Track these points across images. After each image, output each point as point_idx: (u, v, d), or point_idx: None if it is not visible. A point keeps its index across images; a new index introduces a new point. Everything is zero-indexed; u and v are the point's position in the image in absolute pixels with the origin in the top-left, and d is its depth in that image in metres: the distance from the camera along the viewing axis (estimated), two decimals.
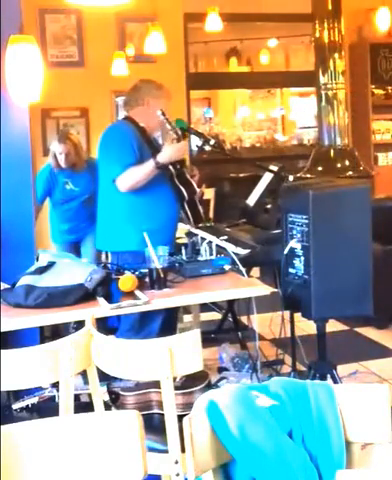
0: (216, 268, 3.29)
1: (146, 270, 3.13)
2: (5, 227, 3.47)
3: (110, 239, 3.74)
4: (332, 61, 6.92)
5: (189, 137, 3.68)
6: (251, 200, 4.30)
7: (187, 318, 4.64)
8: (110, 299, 2.91)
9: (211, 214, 6.60)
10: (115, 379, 2.56)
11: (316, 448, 1.66)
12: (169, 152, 3.56)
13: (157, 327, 3.48)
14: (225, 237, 3.66)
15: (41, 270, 2.97)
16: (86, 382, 2.60)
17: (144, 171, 3.55)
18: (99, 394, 2.48)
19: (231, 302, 4.76)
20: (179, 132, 3.65)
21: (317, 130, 7.80)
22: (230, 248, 3.54)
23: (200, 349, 2.23)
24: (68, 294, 2.86)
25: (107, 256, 3.92)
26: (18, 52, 2.88)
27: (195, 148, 3.64)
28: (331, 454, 1.65)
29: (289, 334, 3.66)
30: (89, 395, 2.66)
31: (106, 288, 2.99)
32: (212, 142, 3.69)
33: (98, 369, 2.38)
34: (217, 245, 3.46)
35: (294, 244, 3.13)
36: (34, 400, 2.91)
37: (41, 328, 3.52)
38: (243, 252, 3.57)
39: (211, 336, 4.75)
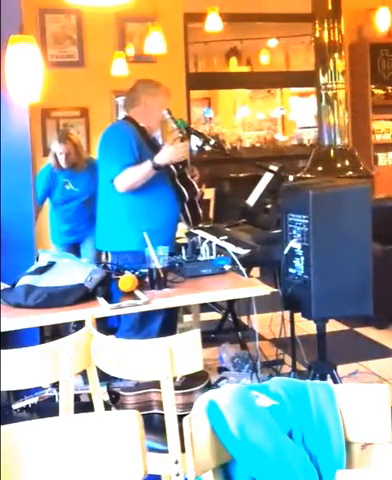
0: (216, 268, 3.29)
1: (146, 270, 3.13)
2: (5, 227, 3.47)
3: (110, 239, 3.74)
4: (332, 61, 6.91)
5: (189, 137, 3.66)
6: (251, 200, 4.30)
7: (187, 318, 4.64)
8: (110, 299, 2.91)
9: (211, 214, 6.60)
10: (115, 379, 2.56)
11: (316, 448, 1.66)
12: (167, 154, 3.55)
13: (157, 327, 3.48)
14: (225, 237, 3.66)
15: (41, 270, 2.97)
16: (86, 382, 2.60)
17: (141, 172, 3.54)
18: (99, 394, 2.48)
19: (231, 302, 4.76)
20: (184, 132, 3.65)
21: (317, 130, 7.79)
22: (230, 248, 3.54)
23: (200, 349, 2.23)
24: (68, 294, 2.86)
25: (107, 256, 3.92)
26: (18, 52, 2.88)
27: (195, 148, 3.63)
28: (331, 454, 1.65)
29: (289, 334, 3.66)
30: (89, 395, 2.66)
31: (106, 288, 2.99)
32: (212, 142, 3.69)
33: (98, 369, 2.38)
34: (217, 245, 3.46)
35: (294, 244, 3.13)
36: (34, 400, 2.91)
37: (41, 328, 3.52)
38: (243, 252, 3.57)
39: (211, 336, 4.75)
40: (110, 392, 2.73)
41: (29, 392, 2.90)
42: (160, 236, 3.38)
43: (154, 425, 2.44)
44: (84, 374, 2.47)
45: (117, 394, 2.67)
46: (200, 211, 3.87)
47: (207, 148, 3.68)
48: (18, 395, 3.00)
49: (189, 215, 3.82)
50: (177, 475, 2.14)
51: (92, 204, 4.14)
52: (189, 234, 3.79)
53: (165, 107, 3.74)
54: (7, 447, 1.49)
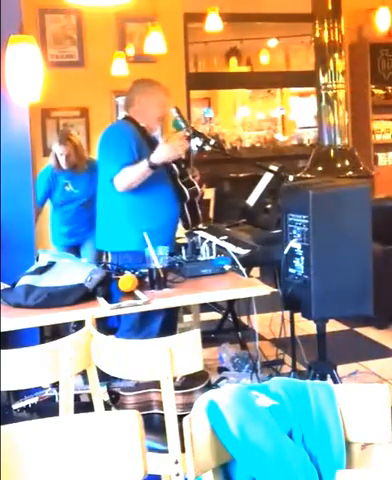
0: (216, 268, 3.29)
1: (146, 270, 3.13)
2: (5, 227, 3.47)
3: (110, 239, 3.74)
4: (332, 61, 6.92)
5: (194, 137, 3.65)
6: (251, 200, 4.30)
7: (187, 318, 4.64)
8: (110, 299, 2.91)
9: (211, 214, 6.60)
10: (115, 379, 2.56)
11: (316, 448, 1.66)
12: (163, 152, 3.54)
13: (157, 327, 3.48)
14: (225, 237, 3.66)
15: (41, 270, 2.97)
16: (86, 382, 2.60)
17: (138, 171, 3.53)
18: (99, 394, 2.48)
19: (231, 302, 4.76)
20: (191, 130, 3.64)
21: (317, 130, 7.80)
22: (230, 248, 3.54)
23: (200, 349, 2.23)
24: (68, 294, 2.86)
25: (107, 257, 3.91)
26: (18, 52, 2.89)
27: (195, 148, 3.62)
28: (331, 454, 1.65)
29: (289, 334, 3.66)
30: (89, 395, 2.66)
31: (106, 288, 2.99)
32: (212, 142, 3.69)
33: (98, 369, 2.38)
34: (217, 245, 3.46)
35: (294, 244, 3.13)
36: (34, 400, 2.91)
37: (41, 328, 3.52)
38: (243, 252, 3.57)
39: (211, 336, 4.75)
40: (110, 392, 2.73)
41: (29, 392, 2.90)
42: (160, 236, 3.38)
43: (154, 425, 2.44)
44: (84, 374, 2.47)
45: (117, 394, 2.67)
46: (200, 212, 3.87)
47: (207, 148, 3.68)
48: (18, 395, 3.00)
49: (189, 216, 3.81)
50: (177, 475, 2.14)
51: (91, 206, 4.12)
52: (189, 234, 3.79)
53: (162, 105, 3.74)
54: (7, 447, 1.49)
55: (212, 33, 6.53)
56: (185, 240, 3.76)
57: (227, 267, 3.30)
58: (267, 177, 4.22)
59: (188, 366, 2.25)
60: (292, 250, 3.15)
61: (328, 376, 3.19)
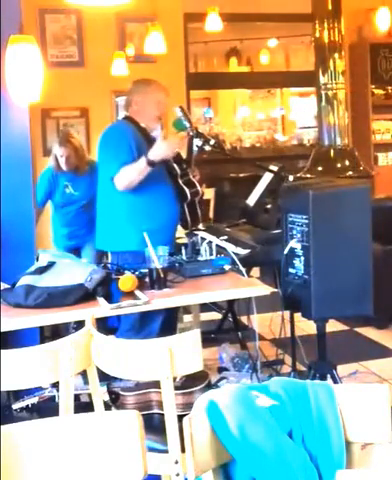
0: (216, 268, 3.29)
1: (146, 270, 3.13)
2: (5, 227, 3.47)
3: (110, 239, 3.74)
4: (332, 61, 6.92)
5: (197, 137, 3.65)
6: (251, 200, 4.30)
7: (187, 318, 4.64)
8: (110, 299, 2.91)
9: (211, 214, 6.60)
10: (115, 379, 2.56)
11: (316, 448, 1.66)
12: (160, 149, 3.54)
13: (157, 327, 3.48)
14: (225, 237, 3.66)
15: (41, 270, 2.97)
16: (86, 382, 2.60)
17: (137, 169, 3.52)
18: (99, 394, 2.48)
19: (231, 302, 4.76)
20: (194, 131, 3.63)
21: (317, 130, 7.80)
22: (230, 248, 3.54)
23: (200, 349, 2.23)
24: (68, 294, 2.86)
25: (107, 257, 3.91)
26: (18, 52, 2.89)
27: (195, 148, 3.61)
28: (331, 454, 1.65)
29: (289, 334, 3.66)
30: (89, 395, 2.66)
31: (106, 288, 2.99)
32: (212, 142, 3.68)
33: (98, 369, 2.38)
34: (217, 245, 3.46)
35: (294, 244, 3.13)
36: (34, 400, 2.91)
37: (41, 328, 3.52)
38: (243, 252, 3.57)
39: (211, 336, 4.75)
40: (110, 392, 2.73)
41: (29, 392, 2.91)
42: (160, 236, 3.38)
43: (154, 425, 2.44)
44: (84, 374, 2.47)
45: (117, 394, 2.67)
46: (199, 212, 3.87)
47: (207, 148, 3.67)
48: (18, 395, 3.00)
49: (188, 217, 3.81)
50: (177, 475, 2.14)
51: (91, 209, 4.11)
52: (189, 234, 3.79)
53: (160, 104, 3.74)
54: (7, 447, 1.49)
55: (212, 33, 6.53)
56: (185, 240, 3.76)
57: (227, 267, 3.30)
58: (267, 177, 4.22)
59: (188, 366, 2.25)
60: (292, 250, 3.15)
61: (328, 376, 3.19)
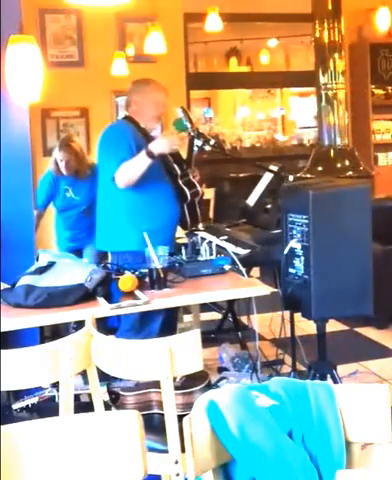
0: (216, 268, 3.29)
1: (146, 270, 3.13)
2: (5, 227, 3.47)
3: (110, 239, 3.74)
4: (332, 61, 6.92)
5: (198, 138, 3.65)
6: (251, 200, 4.30)
7: (187, 318, 4.64)
8: (110, 299, 2.91)
9: (211, 214, 6.60)
10: (115, 379, 2.56)
11: (316, 448, 1.66)
12: (161, 143, 3.54)
13: (157, 327, 3.48)
14: (225, 237, 3.66)
15: (41, 270, 2.97)
16: (86, 382, 2.60)
17: (136, 162, 3.51)
18: (99, 394, 2.48)
19: (231, 302, 4.75)
20: (195, 131, 3.63)
21: (317, 130, 7.80)
22: (230, 248, 3.54)
23: (200, 349, 2.23)
24: (68, 294, 2.86)
25: (107, 257, 3.91)
26: (18, 52, 2.89)
27: (195, 148, 3.62)
28: (331, 454, 1.65)
29: (289, 334, 3.66)
30: (89, 395, 2.66)
31: (106, 288, 2.99)
32: (212, 142, 3.68)
33: (98, 369, 2.38)
34: (217, 245, 3.46)
35: (294, 244, 3.13)
36: (34, 400, 2.91)
37: (41, 328, 3.52)
38: (243, 252, 3.57)
39: (211, 336, 4.75)
40: (110, 392, 2.73)
41: (29, 392, 2.91)
42: (160, 236, 3.38)
43: (154, 425, 2.44)
44: (84, 374, 2.47)
45: (117, 394, 2.67)
46: (199, 212, 3.87)
47: (207, 148, 3.67)
48: (18, 395, 3.00)
49: (188, 217, 3.81)
50: (177, 475, 2.14)
51: (92, 214, 4.09)
52: (189, 234, 3.79)
53: (158, 104, 3.74)
54: (7, 447, 1.49)
55: (212, 33, 6.53)
56: (185, 240, 3.76)
57: (227, 267, 3.30)
58: (267, 177, 4.22)
59: (188, 366, 2.25)
60: (292, 250, 3.15)
61: (328, 376, 3.19)
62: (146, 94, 3.74)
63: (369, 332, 5.00)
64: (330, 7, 6.88)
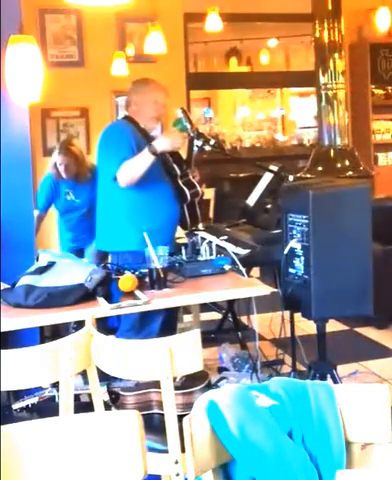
0: (216, 268, 3.29)
1: (146, 270, 3.13)
2: (5, 227, 3.47)
3: (110, 239, 3.74)
4: (332, 61, 6.91)
5: (198, 138, 3.65)
6: (251, 200, 4.30)
7: (187, 318, 4.64)
8: (110, 299, 2.91)
9: (211, 214, 6.60)
10: (115, 379, 2.56)
11: (316, 448, 1.66)
12: (164, 140, 3.54)
13: (157, 327, 3.48)
14: (225, 237, 3.66)
15: (41, 270, 2.97)
16: (86, 382, 2.60)
17: (138, 160, 3.51)
18: (99, 394, 2.48)
19: (231, 302, 4.75)
20: (195, 132, 3.63)
21: (317, 130, 7.80)
22: (230, 248, 3.54)
23: (200, 349, 2.23)
24: (68, 294, 2.86)
25: (107, 257, 3.91)
26: (18, 52, 2.89)
27: (195, 148, 3.61)
28: (331, 454, 1.65)
29: (289, 334, 3.66)
30: (89, 395, 2.66)
31: (106, 288, 2.99)
32: (212, 142, 3.68)
33: (98, 369, 2.38)
34: (217, 245, 3.46)
35: (294, 244, 3.13)
36: (34, 400, 2.91)
37: (41, 328, 3.52)
38: (243, 252, 3.57)
39: (211, 336, 4.75)
40: (110, 392, 2.73)
41: (29, 392, 2.90)
42: (160, 236, 3.38)
43: (154, 425, 2.44)
44: (84, 374, 2.47)
45: (117, 394, 2.67)
46: (198, 213, 3.87)
47: (207, 148, 3.67)
48: (18, 395, 3.00)
49: (188, 217, 3.81)
50: (177, 475, 2.14)
51: (91, 216, 4.08)
52: (189, 234, 3.79)
53: (158, 104, 3.74)
54: (7, 447, 1.49)
55: (212, 33, 6.53)
56: (185, 240, 3.76)
57: (227, 267, 3.30)
58: (267, 177, 4.22)
59: (188, 366, 2.25)
60: (292, 250, 3.15)
61: (328, 376, 3.19)
62: (146, 94, 3.74)
63: (369, 332, 5.00)
64: (330, 7, 6.88)
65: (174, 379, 2.29)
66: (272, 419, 1.63)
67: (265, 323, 4.04)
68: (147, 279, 3.11)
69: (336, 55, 6.92)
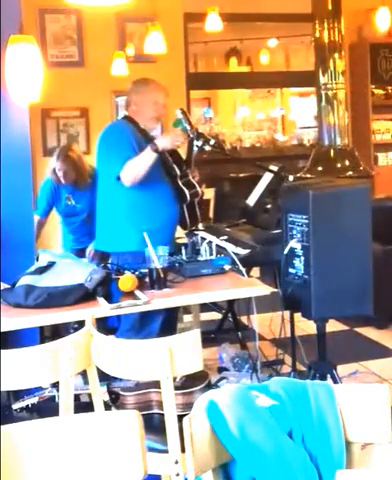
0: (216, 268, 3.29)
1: (146, 270, 3.13)
2: (5, 227, 3.47)
3: (110, 239, 3.74)
4: (332, 61, 6.92)
5: (198, 139, 3.65)
6: (251, 200, 4.30)
7: (187, 318, 4.64)
8: (110, 299, 2.91)
9: (211, 214, 6.60)
10: (115, 379, 2.56)
11: (316, 448, 1.66)
12: (166, 139, 3.54)
13: (157, 327, 3.48)
14: (225, 237, 3.66)
15: (41, 270, 2.97)
16: (86, 382, 2.60)
17: (142, 159, 3.51)
18: (99, 394, 2.48)
19: (231, 302, 4.75)
20: (195, 133, 3.63)
21: (317, 130, 7.80)
22: (230, 248, 3.54)
23: (200, 349, 2.23)
24: (68, 294, 2.86)
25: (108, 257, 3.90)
26: (18, 52, 2.89)
27: (195, 148, 3.62)
28: (331, 454, 1.65)
29: (289, 334, 3.66)
30: (89, 395, 2.66)
31: (106, 288, 2.99)
32: (212, 142, 3.68)
33: (98, 369, 2.38)
34: (217, 245, 3.46)
35: (294, 244, 3.13)
36: (34, 400, 2.91)
37: (41, 328, 3.52)
38: (243, 252, 3.57)
39: (211, 336, 4.75)
40: (110, 392, 2.73)
41: (29, 392, 2.90)
42: (160, 236, 3.38)
43: (154, 425, 2.44)
44: (84, 374, 2.47)
45: (117, 394, 2.67)
46: (198, 213, 3.87)
47: (207, 148, 3.67)
48: (18, 395, 3.00)
49: (187, 218, 3.81)
50: (177, 475, 2.14)
51: (92, 222, 4.07)
52: (189, 234, 3.79)
53: (157, 104, 3.74)
54: (7, 447, 1.49)
55: (212, 33, 6.53)
56: (185, 240, 3.76)
57: (227, 267, 3.30)
58: (267, 177, 4.22)
59: (188, 366, 2.25)
60: (292, 250, 3.15)
61: (328, 376, 3.19)
62: (146, 94, 3.74)
63: (369, 332, 5.00)
64: (330, 7, 6.88)
65: (174, 379, 2.29)
66: (272, 419, 1.63)
67: (265, 323, 4.04)
68: (147, 279, 3.11)
69: (336, 55, 6.92)
